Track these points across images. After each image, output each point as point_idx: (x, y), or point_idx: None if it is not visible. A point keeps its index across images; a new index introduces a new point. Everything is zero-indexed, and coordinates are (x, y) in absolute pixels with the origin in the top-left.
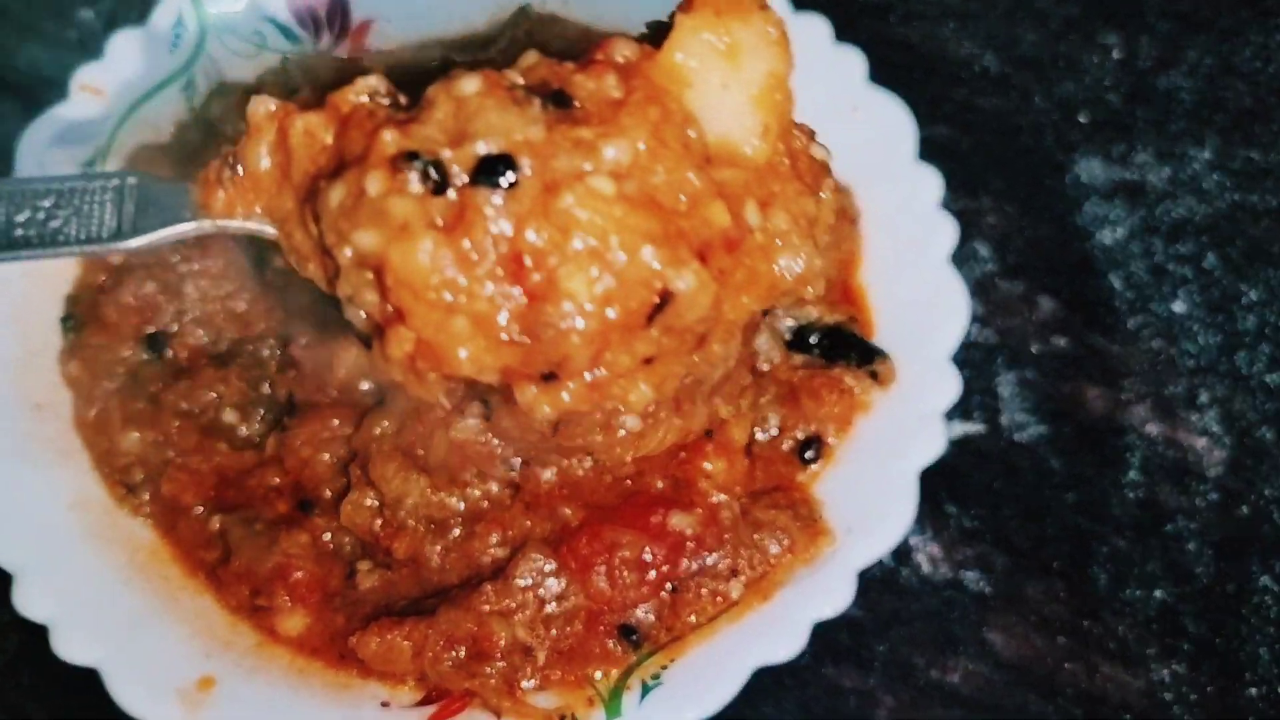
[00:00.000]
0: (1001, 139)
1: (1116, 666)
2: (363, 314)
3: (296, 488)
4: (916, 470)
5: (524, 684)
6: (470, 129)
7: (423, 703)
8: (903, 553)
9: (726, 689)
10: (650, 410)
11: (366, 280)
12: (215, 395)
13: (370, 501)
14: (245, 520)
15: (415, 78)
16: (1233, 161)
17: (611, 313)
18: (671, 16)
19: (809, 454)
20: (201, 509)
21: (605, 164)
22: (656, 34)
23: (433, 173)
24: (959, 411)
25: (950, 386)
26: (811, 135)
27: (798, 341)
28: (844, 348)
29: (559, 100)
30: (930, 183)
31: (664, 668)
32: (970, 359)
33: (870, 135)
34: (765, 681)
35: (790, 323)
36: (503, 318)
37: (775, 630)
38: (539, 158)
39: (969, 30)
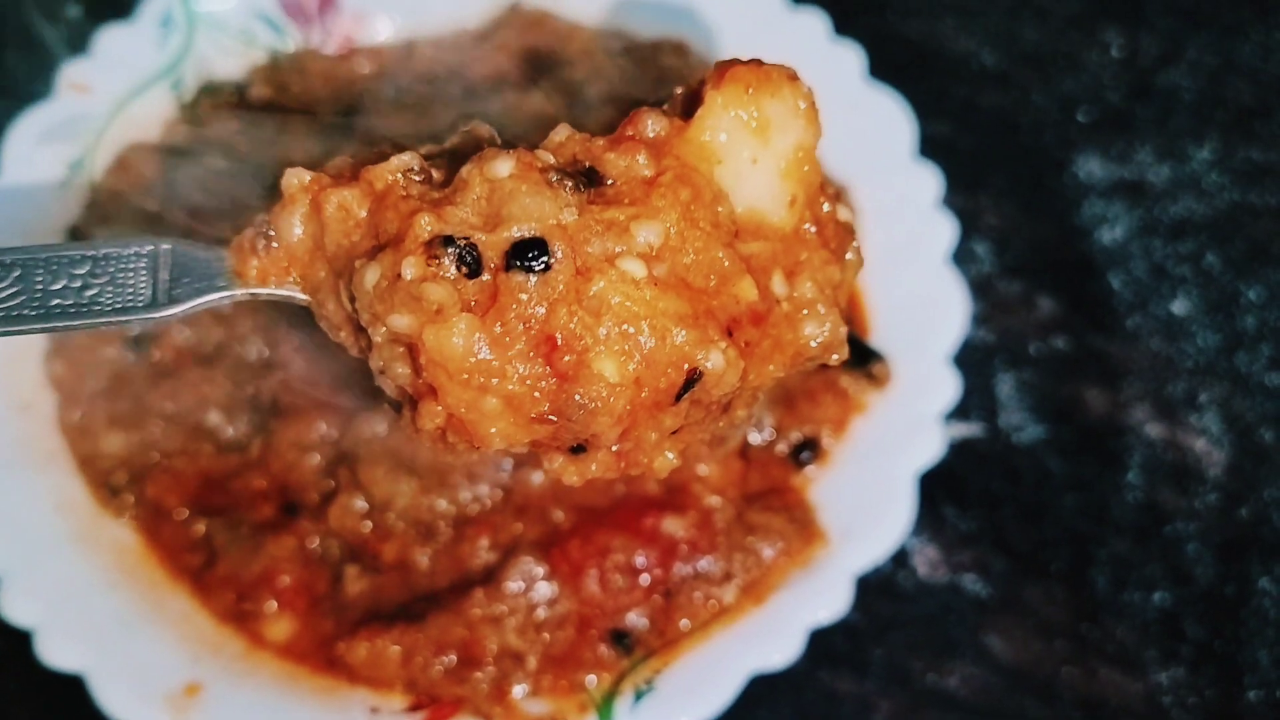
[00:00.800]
0: (1001, 137)
1: (1116, 670)
2: (393, 384)
3: (282, 491)
4: (914, 472)
5: (515, 690)
6: (504, 212)
7: (412, 709)
8: (900, 556)
9: (720, 695)
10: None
11: (399, 355)
12: (200, 397)
13: (358, 504)
14: (231, 524)
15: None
16: (1233, 160)
17: (641, 393)
18: (700, 86)
19: (804, 456)
20: (186, 512)
21: (637, 246)
22: (686, 103)
23: (468, 256)
24: (957, 413)
25: (948, 388)
26: (838, 196)
27: None
28: None
29: (591, 178)
30: (928, 181)
31: (657, 673)
32: (969, 360)
33: (868, 132)
34: (761, 687)
35: None
36: (534, 398)
37: (770, 635)
38: (571, 242)
39: (969, 27)
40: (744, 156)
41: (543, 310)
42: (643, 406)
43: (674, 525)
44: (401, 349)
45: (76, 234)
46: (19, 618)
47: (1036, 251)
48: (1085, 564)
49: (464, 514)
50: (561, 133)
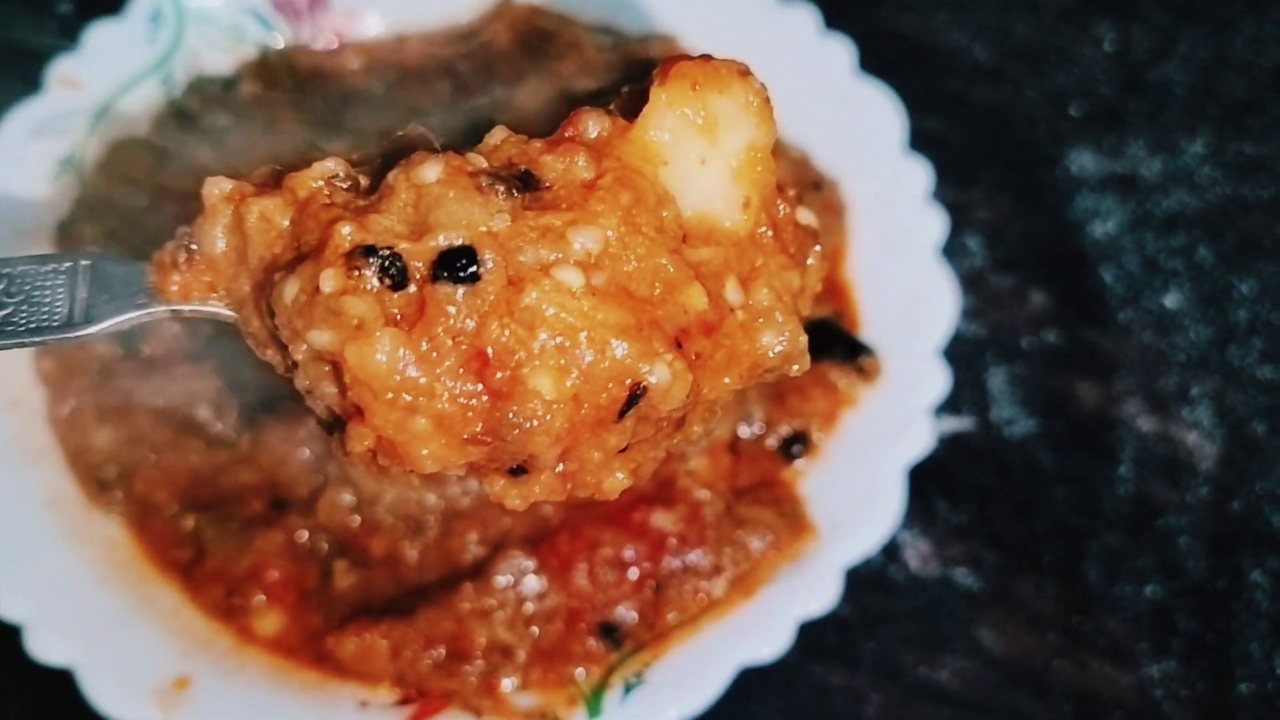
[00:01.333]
0: (993, 131)
1: (1107, 663)
2: (323, 405)
3: (271, 486)
4: (904, 466)
5: (504, 684)
6: (431, 219)
7: (401, 703)
8: (891, 550)
9: (710, 687)
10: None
11: (325, 374)
12: (189, 392)
13: (347, 499)
14: (220, 519)
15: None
16: (1225, 154)
17: (580, 410)
18: (646, 84)
19: (794, 450)
20: (175, 507)
21: (574, 254)
22: (632, 101)
23: (391, 267)
24: (948, 407)
25: (938, 381)
26: (798, 200)
27: None
28: (830, 343)
29: (526, 182)
30: (918, 174)
31: (646, 666)
32: (960, 353)
33: (858, 126)
34: (752, 681)
35: None
36: (466, 417)
37: (759, 628)
38: (503, 250)
39: (961, 21)
40: (691, 157)
41: (473, 323)
42: (583, 424)
43: (663, 519)
44: (327, 367)
45: (66, 230)
46: (8, 613)
47: (1028, 245)
48: (1077, 557)
49: (453, 508)
50: (497, 135)
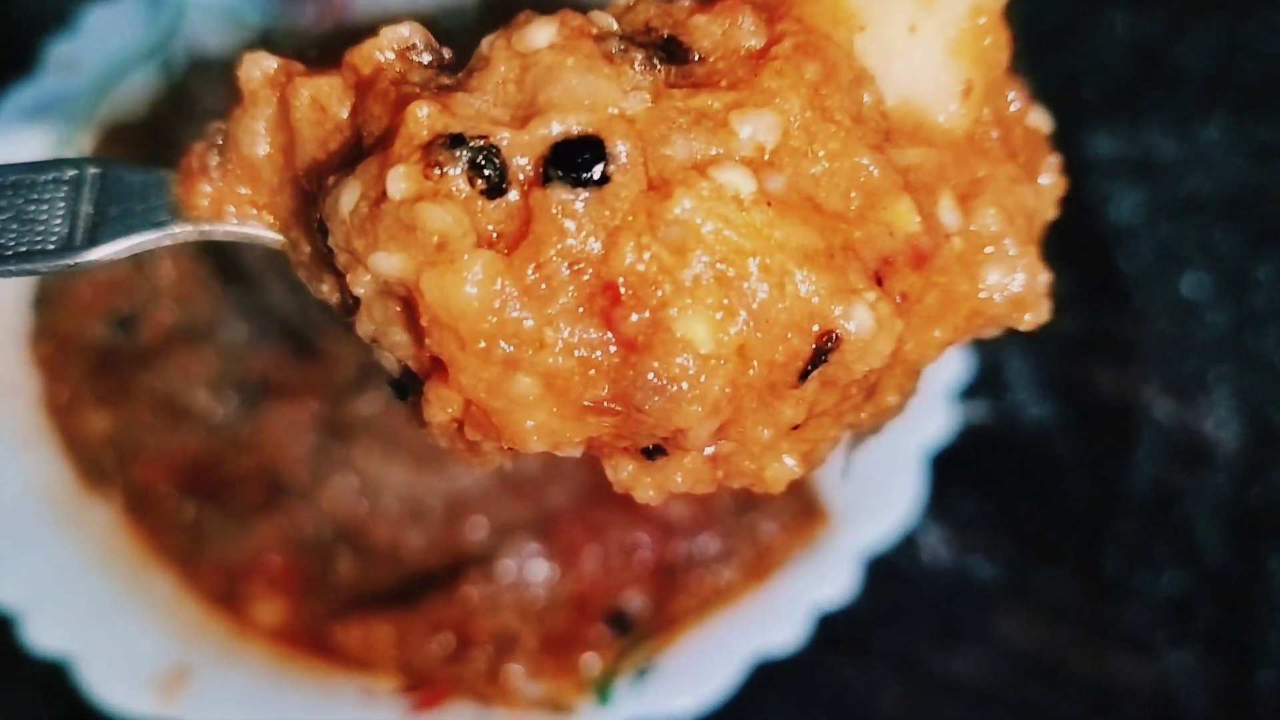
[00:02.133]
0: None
1: (1125, 653)
2: (393, 358)
3: (272, 471)
4: (920, 451)
5: (511, 671)
6: (541, 99)
7: (405, 691)
8: (907, 539)
9: (722, 676)
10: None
11: (394, 315)
12: (189, 377)
13: (350, 484)
14: (220, 506)
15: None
16: (1242, 138)
17: (748, 370)
18: None
19: None
20: (174, 494)
21: (741, 148)
22: None
23: (486, 164)
24: (965, 394)
25: (955, 365)
26: (1027, 95)
27: None
28: None
29: (671, 52)
30: None
31: (657, 653)
32: (976, 340)
33: None
34: (765, 673)
35: None
36: (588, 376)
37: (772, 615)
38: (641, 141)
39: None
40: (897, 21)
41: (599, 245)
42: (750, 389)
43: (673, 502)
44: (398, 305)
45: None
46: (5, 601)
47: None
48: (1094, 546)
49: (458, 493)
50: None
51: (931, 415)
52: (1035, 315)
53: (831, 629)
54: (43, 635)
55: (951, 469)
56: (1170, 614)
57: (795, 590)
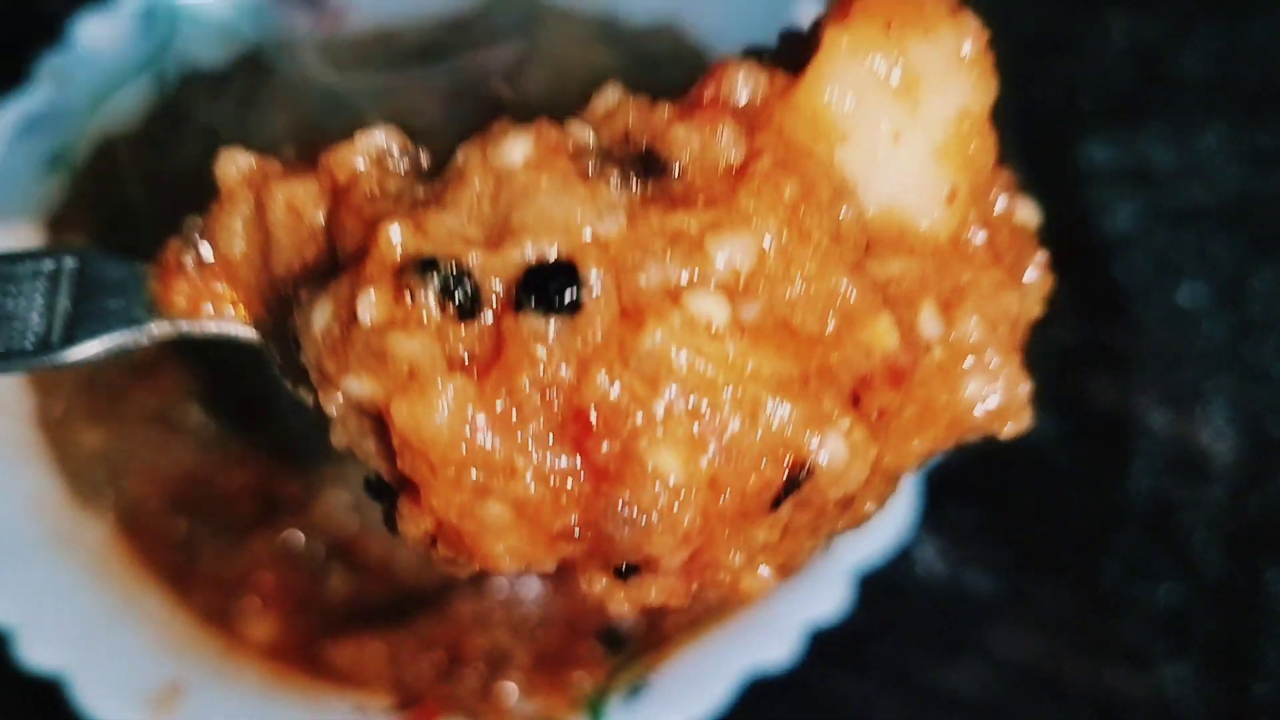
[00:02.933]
0: (1003, 123)
1: (1123, 666)
2: (371, 467)
3: (265, 488)
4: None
5: (504, 689)
6: (515, 220)
7: (398, 709)
8: (902, 552)
9: (715, 693)
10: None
11: (367, 428)
12: (182, 392)
13: (343, 501)
14: (212, 522)
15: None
16: (1240, 147)
17: (719, 499)
18: (815, 27)
19: None
20: (166, 510)
21: (716, 273)
22: (793, 48)
23: (458, 289)
24: None
25: None
26: (1014, 188)
27: None
28: None
29: (649, 165)
30: None
31: (650, 670)
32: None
33: None
34: (759, 687)
35: None
36: (558, 505)
37: (765, 632)
38: (615, 266)
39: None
40: (881, 129)
41: (571, 372)
42: (722, 518)
43: None
44: (370, 421)
45: (57, 227)
46: None
47: (1041, 238)
48: (1091, 558)
49: None
50: (610, 96)
51: None
52: (1016, 425)
53: (827, 644)
54: (36, 653)
55: (947, 481)
56: (1168, 626)
57: (788, 607)
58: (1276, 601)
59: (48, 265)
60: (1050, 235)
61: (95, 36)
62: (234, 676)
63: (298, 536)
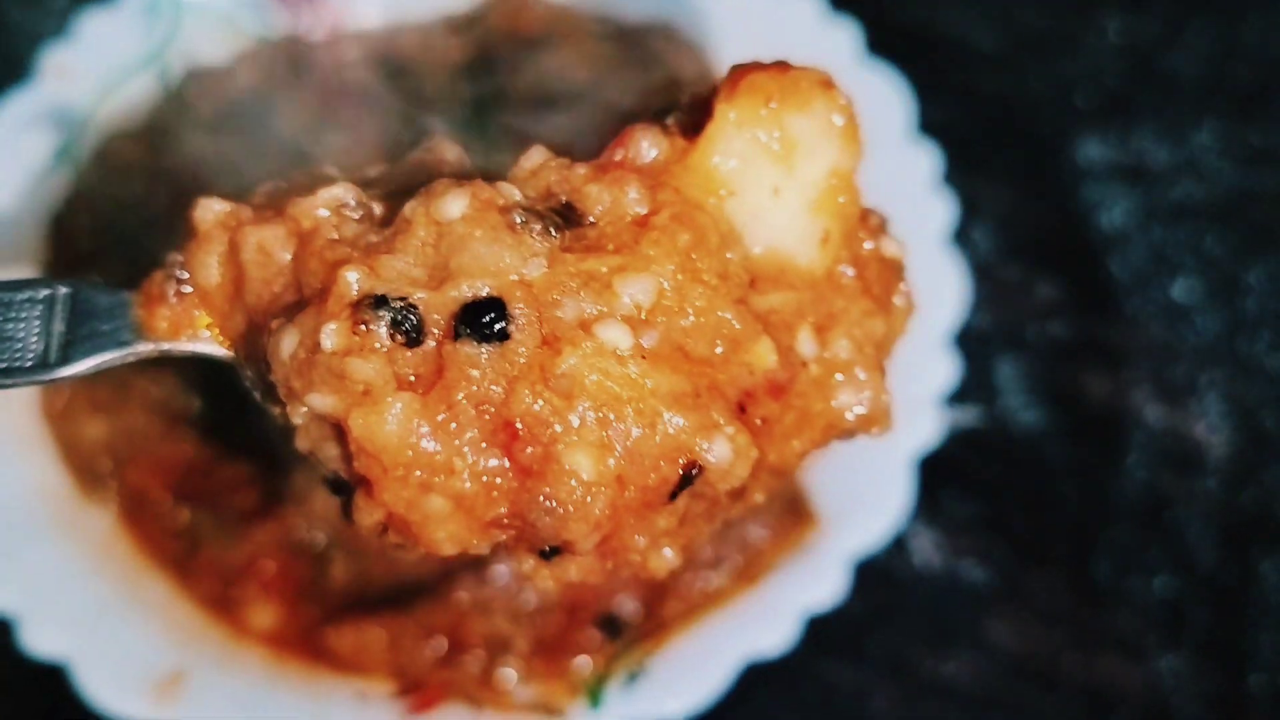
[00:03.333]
0: (999, 121)
1: (1116, 657)
2: (329, 468)
3: (266, 477)
4: (910, 455)
5: (504, 675)
6: (454, 264)
7: (399, 695)
8: (898, 543)
9: (713, 679)
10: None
11: (327, 433)
12: (184, 382)
13: None
14: (214, 511)
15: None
16: (1234, 144)
17: (625, 493)
18: (712, 94)
19: None
20: (169, 499)
21: (621, 308)
22: (693, 114)
23: (405, 321)
24: (956, 399)
25: (945, 369)
26: (882, 227)
27: None
28: None
29: (567, 217)
30: (925, 159)
31: (648, 656)
32: (967, 345)
33: (864, 111)
34: (756, 676)
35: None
36: (490, 498)
37: (763, 619)
38: (537, 303)
39: (966, 10)
40: (763, 187)
41: (500, 390)
42: (627, 508)
43: None
44: (330, 428)
45: (60, 223)
46: (2, 605)
47: (1035, 236)
48: (1085, 550)
49: None
50: (535, 157)
51: (922, 420)
52: (881, 429)
53: (823, 633)
54: (40, 639)
55: (943, 473)
56: (1162, 618)
57: (785, 594)
58: (1270, 593)
59: (43, 293)
60: (1046, 231)
61: (99, 31)
62: (236, 663)
63: (299, 525)
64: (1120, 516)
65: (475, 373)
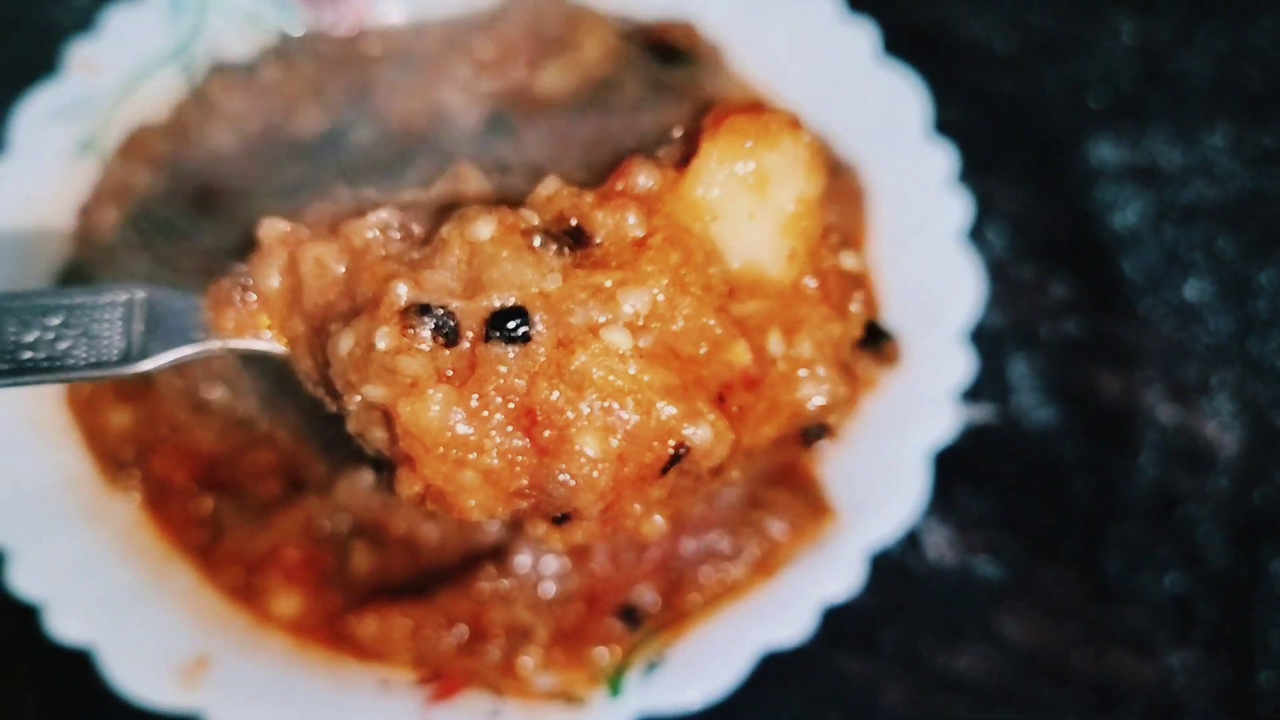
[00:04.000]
0: (1013, 122)
1: (1127, 652)
2: (372, 447)
3: (289, 466)
4: (925, 449)
5: (525, 663)
6: (484, 279)
7: (422, 683)
8: (911, 538)
9: (731, 669)
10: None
11: (376, 419)
12: (207, 372)
13: (366, 479)
14: (237, 500)
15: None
16: (1245, 146)
17: (625, 468)
18: (698, 132)
19: (814, 434)
20: (193, 488)
21: (623, 316)
22: (683, 147)
23: (445, 326)
24: (969, 396)
25: (960, 365)
26: (843, 244)
27: None
28: None
29: (577, 238)
30: (941, 158)
31: (667, 647)
32: (981, 343)
33: (880, 110)
34: (771, 668)
35: None
36: (513, 472)
37: (780, 610)
38: (554, 311)
39: (980, 11)
40: (741, 212)
41: (523, 383)
42: (627, 481)
43: (685, 502)
44: (379, 414)
45: (86, 214)
46: (28, 591)
47: (1048, 236)
48: (1097, 547)
49: None
50: (549, 186)
51: (937, 416)
52: (839, 417)
53: (838, 626)
54: (66, 625)
55: (957, 470)
56: (1172, 615)
57: (803, 586)
58: (1279, 591)
59: (124, 297)
60: (1059, 231)
61: (125, 26)
62: (260, 651)
63: (322, 515)
64: (1131, 514)
65: (502, 369)
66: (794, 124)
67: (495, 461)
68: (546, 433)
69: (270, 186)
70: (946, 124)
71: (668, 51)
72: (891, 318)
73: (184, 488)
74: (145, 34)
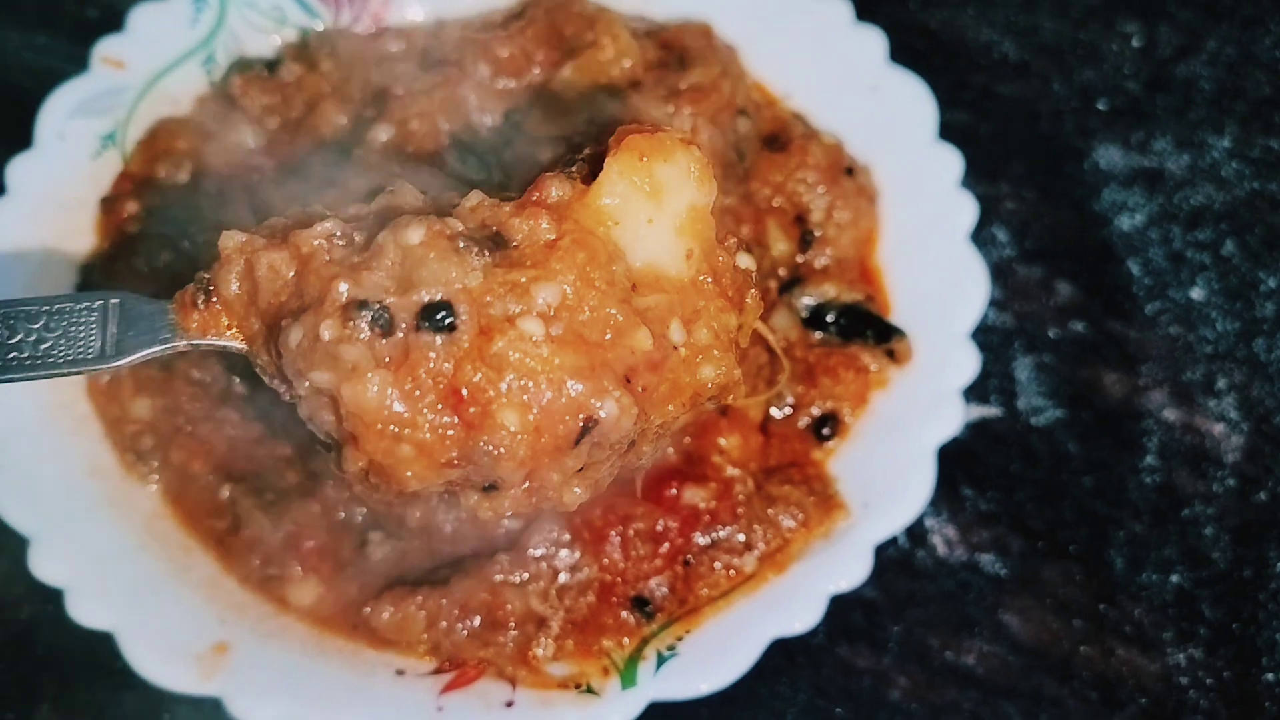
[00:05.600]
0: (1020, 125)
1: (1133, 650)
2: (321, 429)
3: (307, 456)
4: (933, 446)
5: (538, 653)
6: (415, 277)
7: (437, 672)
8: (919, 535)
9: (741, 660)
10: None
11: (324, 404)
12: (226, 363)
13: None
14: (255, 489)
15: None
16: (1251, 150)
17: (541, 439)
18: (604, 151)
19: (825, 431)
20: (211, 477)
21: (536, 307)
22: (593, 164)
23: (381, 318)
24: (976, 395)
25: (968, 363)
26: (738, 247)
27: (815, 320)
28: (861, 326)
29: (497, 242)
30: (949, 161)
31: (679, 638)
32: (988, 343)
33: (889, 114)
34: (779, 660)
35: (808, 301)
36: (444, 445)
37: (790, 602)
38: (475, 304)
39: (989, 16)
40: (640, 217)
41: (450, 366)
42: (544, 451)
43: (695, 495)
44: (325, 399)
45: (107, 206)
46: (50, 577)
47: (1056, 237)
48: (1103, 545)
49: None
50: (473, 199)
51: (944, 414)
52: (735, 397)
53: (845, 620)
54: (87, 611)
55: (965, 468)
56: (1177, 613)
57: (813, 579)
58: None
59: (98, 302)
60: (1066, 233)
61: (149, 22)
62: (278, 638)
63: (339, 504)
64: (1137, 513)
65: (432, 355)
66: (686, 141)
67: (428, 436)
68: (472, 409)
69: (285, 183)
70: (955, 127)
71: (686, 54)
72: (901, 317)
73: (202, 477)
74: (169, 30)
